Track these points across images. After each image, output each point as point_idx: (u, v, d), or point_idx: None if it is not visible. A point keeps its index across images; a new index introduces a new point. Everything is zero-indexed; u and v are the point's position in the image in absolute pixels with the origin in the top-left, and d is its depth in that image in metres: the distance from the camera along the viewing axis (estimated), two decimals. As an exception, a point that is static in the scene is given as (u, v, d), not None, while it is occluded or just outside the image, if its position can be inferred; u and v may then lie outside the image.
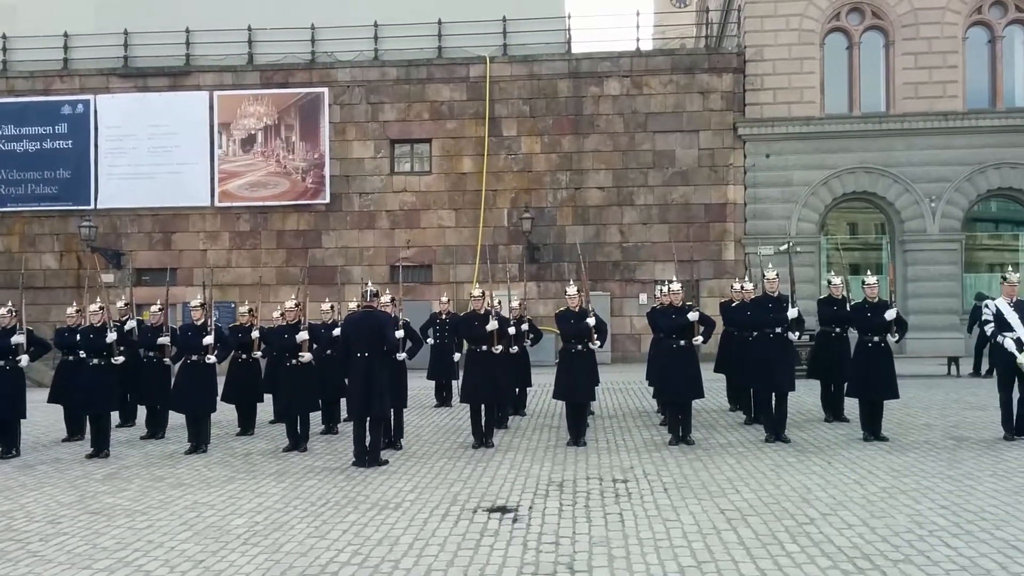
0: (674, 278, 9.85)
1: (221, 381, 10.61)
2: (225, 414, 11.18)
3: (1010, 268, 9.82)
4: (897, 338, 9.62)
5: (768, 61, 20.70)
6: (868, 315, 9.65)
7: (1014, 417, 9.18)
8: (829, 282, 11.36)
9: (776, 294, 9.81)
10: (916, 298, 19.93)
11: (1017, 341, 8.97)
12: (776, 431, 9.44)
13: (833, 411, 10.81)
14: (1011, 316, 8.96)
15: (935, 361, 16.74)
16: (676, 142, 20.97)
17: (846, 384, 10.13)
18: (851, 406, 10.24)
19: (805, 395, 11.63)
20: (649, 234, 20.90)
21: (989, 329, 9.24)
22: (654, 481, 7.56)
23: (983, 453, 8.45)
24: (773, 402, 9.57)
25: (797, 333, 9.71)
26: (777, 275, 9.95)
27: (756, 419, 10.48)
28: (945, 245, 20.15)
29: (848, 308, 10.48)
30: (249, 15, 21.63)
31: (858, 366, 9.61)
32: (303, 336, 9.59)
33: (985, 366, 15.38)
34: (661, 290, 10.93)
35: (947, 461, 8.11)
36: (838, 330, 10.62)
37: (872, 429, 9.38)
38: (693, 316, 9.45)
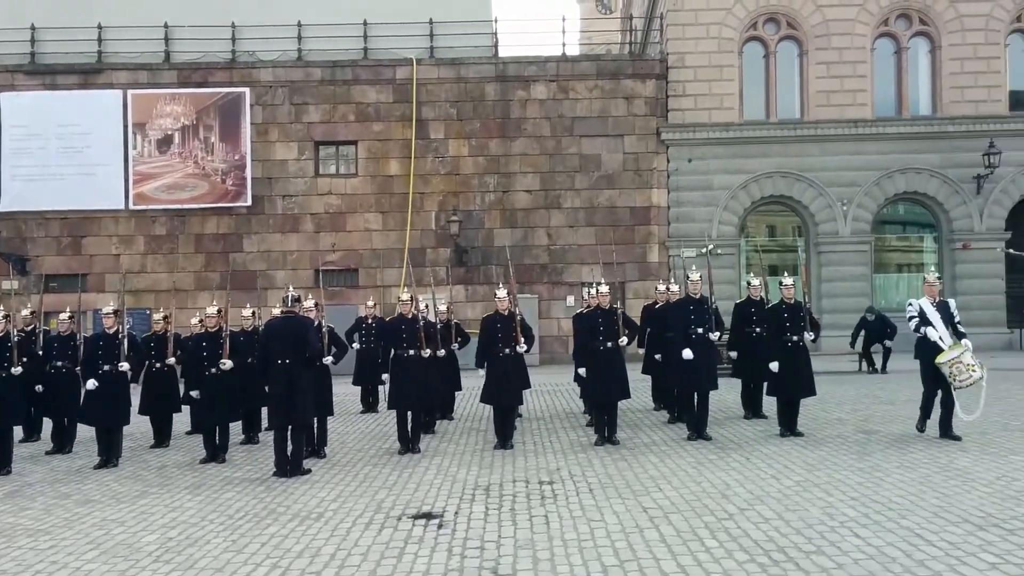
0: (601, 280, 9.94)
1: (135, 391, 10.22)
2: (139, 426, 10.78)
3: (932, 268, 10.17)
4: (813, 337, 9.91)
5: (689, 68, 21.15)
6: (785, 315, 9.91)
7: (929, 415, 9.33)
8: (748, 283, 11.64)
9: (699, 295, 10.00)
10: (830, 298, 20.64)
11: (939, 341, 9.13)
12: (698, 429, 9.63)
13: (752, 408, 11.09)
14: (933, 315, 9.15)
15: (847, 358, 17.35)
16: (602, 146, 21.22)
17: (766, 383, 10.38)
18: (769, 403, 10.52)
19: (726, 393, 11.88)
20: (576, 237, 21.09)
21: (913, 324, 9.39)
22: (580, 482, 7.61)
23: (891, 446, 8.78)
24: (696, 401, 9.75)
25: (718, 333, 9.91)
26: (700, 277, 10.14)
27: (679, 418, 10.66)
28: (856, 247, 20.93)
29: (766, 309, 10.75)
30: (165, 12, 20.99)
31: (778, 366, 9.84)
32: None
33: (878, 363, 16.41)
34: (589, 292, 11.02)
35: (857, 454, 8.40)
36: (758, 330, 10.88)
37: (788, 425, 9.66)
38: (623, 342, 9.60)
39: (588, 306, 10.88)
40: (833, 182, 20.88)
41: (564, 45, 22.14)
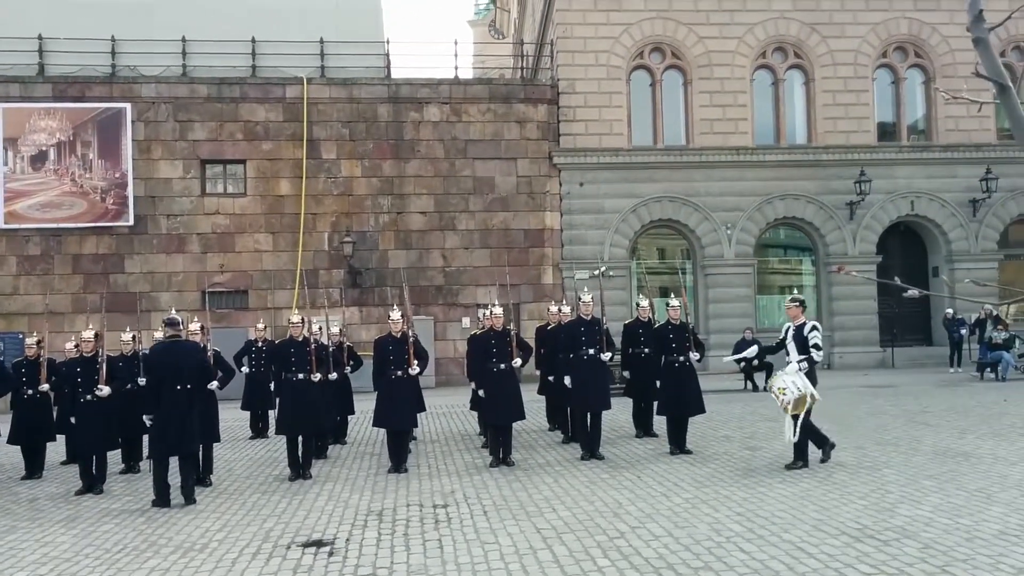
0: (495, 302, 10.02)
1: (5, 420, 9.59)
2: (9, 455, 10.11)
3: (795, 291, 10.65)
4: (699, 357, 10.28)
5: (580, 94, 21.70)
6: (670, 336, 10.25)
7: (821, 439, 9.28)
8: (638, 304, 11.97)
9: (590, 317, 10.21)
10: (717, 318, 21.44)
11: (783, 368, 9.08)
12: (591, 449, 9.79)
13: (643, 427, 11.37)
14: (789, 339, 9.16)
15: (733, 376, 18.05)
16: (495, 169, 21.44)
17: (656, 402, 10.67)
18: (659, 421, 10.82)
19: (618, 413, 12.14)
20: (471, 259, 21.18)
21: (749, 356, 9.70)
22: (474, 504, 7.61)
23: (774, 461, 9.18)
24: (588, 420, 9.93)
25: (609, 354, 10.14)
26: (592, 298, 10.37)
27: (573, 438, 10.82)
28: (740, 269, 21.86)
29: (653, 329, 11.07)
30: (40, 24, 19.96)
31: (666, 385, 10.17)
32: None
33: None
34: (484, 314, 11.08)
35: (743, 471, 8.74)
36: (647, 350, 11.18)
37: (678, 443, 9.96)
38: (516, 363, 9.72)
39: (483, 327, 10.95)
40: (718, 207, 21.78)
41: (457, 68, 22.46)
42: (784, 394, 8.64)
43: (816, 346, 8.88)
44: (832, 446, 8.97)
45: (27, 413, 10.15)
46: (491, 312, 10.04)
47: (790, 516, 6.75)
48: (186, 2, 20.94)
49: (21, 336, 16.86)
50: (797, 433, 8.67)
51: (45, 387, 10.14)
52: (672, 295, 11.09)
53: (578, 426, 10.38)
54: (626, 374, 11.58)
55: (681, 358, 10.18)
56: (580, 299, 10.40)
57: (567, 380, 10.11)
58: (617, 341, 11.40)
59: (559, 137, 21.71)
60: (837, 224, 22.08)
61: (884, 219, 22.31)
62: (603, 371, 10.21)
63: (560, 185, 21.64)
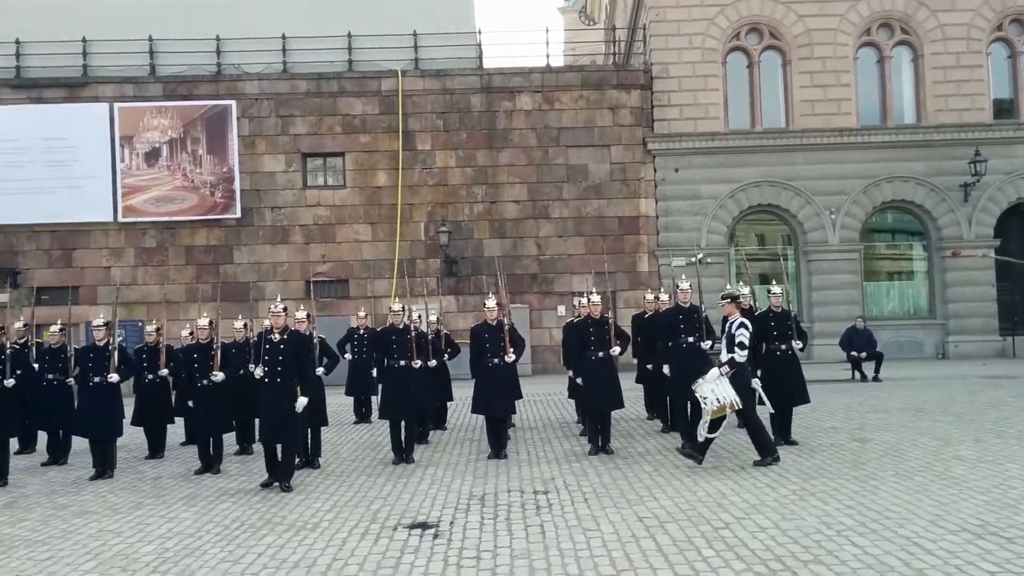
0: (593, 290, 9.99)
1: (129, 403, 10.18)
2: (133, 437, 10.74)
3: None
4: (801, 346, 9.99)
5: (674, 78, 21.32)
6: (772, 324, 9.99)
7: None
8: (769, 291, 11.69)
9: (688, 305, 10.07)
10: (820, 306, 20.78)
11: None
12: (692, 438, 9.64)
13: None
14: (722, 340, 8.69)
15: (840, 366, 17.46)
16: (588, 156, 21.33)
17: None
18: (763, 411, 10.56)
19: (718, 402, 11.90)
20: (565, 247, 21.17)
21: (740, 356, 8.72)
22: (574, 491, 7.63)
23: (886, 454, 8.84)
24: (690, 410, 9.81)
25: (709, 342, 9.97)
26: (690, 286, 10.22)
27: (673, 427, 10.70)
28: (845, 255, 21.10)
29: (754, 317, 10.81)
30: (150, 25, 20.96)
31: (768, 375, 9.93)
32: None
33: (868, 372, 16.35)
34: (580, 302, 11.07)
35: (852, 463, 8.45)
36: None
37: (783, 434, 9.71)
38: (615, 351, 9.63)
39: (579, 316, 10.94)
40: (820, 191, 21.06)
41: (548, 56, 22.31)
42: (705, 403, 8.32)
43: (741, 344, 8.43)
44: (774, 461, 8.40)
45: (148, 397, 10.76)
46: (589, 300, 10.01)
47: (905, 511, 6.50)
48: (285, -1, 21.60)
49: (140, 324, 17.86)
50: (706, 431, 8.28)
51: (164, 372, 10.71)
52: (773, 282, 10.83)
53: (678, 416, 10.25)
54: (726, 362, 11.33)
55: (783, 347, 9.92)
56: (678, 287, 10.27)
57: (666, 369, 10.04)
58: (717, 329, 11.18)
59: (653, 123, 21.41)
60: (950, 207, 21.03)
61: (1002, 201, 21.12)
62: (703, 360, 10.04)
63: (655, 171, 21.36)
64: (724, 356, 8.54)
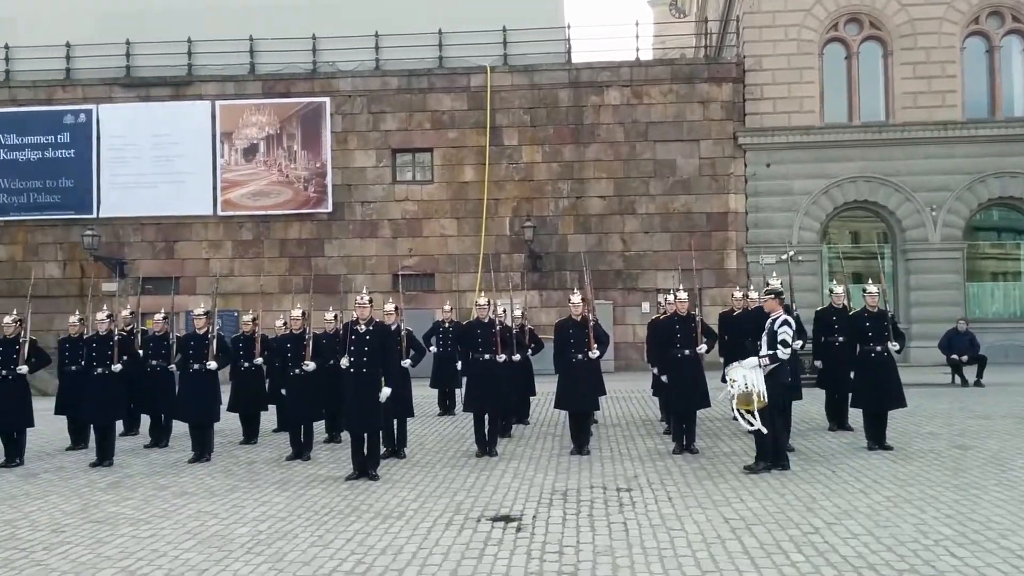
0: (679, 287, 9.85)
1: (225, 390, 10.61)
2: (229, 423, 11.18)
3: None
4: (898, 348, 9.61)
5: (767, 71, 20.78)
6: (867, 324, 9.64)
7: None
8: (831, 291, 11.37)
9: (778, 303, 9.80)
10: (919, 307, 19.94)
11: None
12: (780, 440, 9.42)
13: (837, 420, 10.80)
14: (764, 335, 8.45)
15: (939, 370, 16.72)
16: (677, 151, 21.04)
17: (851, 394, 10.10)
18: (855, 414, 10.24)
19: (809, 404, 11.60)
20: (651, 243, 20.95)
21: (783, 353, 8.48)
22: (658, 490, 7.55)
23: (988, 462, 8.42)
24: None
25: (800, 342, 9.70)
26: (780, 284, 9.95)
27: (760, 428, 10.45)
28: (947, 254, 20.17)
29: (848, 317, 10.47)
30: (250, 25, 21.72)
31: (861, 377, 9.60)
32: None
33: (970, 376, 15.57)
34: (666, 299, 10.94)
35: (952, 470, 8.09)
36: (841, 339, 10.60)
37: (876, 438, 9.37)
38: (701, 350, 9.51)
39: (665, 313, 10.81)
40: (921, 187, 20.19)
41: (638, 50, 22.04)
42: (732, 386, 8.14)
43: (784, 342, 8.17)
44: (765, 469, 8.13)
45: (244, 384, 11.17)
46: (676, 297, 9.88)
47: (1009, 522, 6.18)
48: (379, -3, 22.03)
49: (236, 314, 18.58)
50: (761, 424, 8.03)
51: (259, 361, 11.11)
52: (869, 281, 10.42)
53: (766, 416, 9.99)
54: (818, 364, 11.02)
55: (879, 348, 9.55)
56: (768, 284, 10.01)
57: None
58: (808, 329, 10.88)
59: (744, 117, 20.94)
60: (1064, 204, 19.84)
61: (1121, 199, 19.80)
62: (793, 360, 9.78)
63: (745, 166, 20.89)
64: (765, 351, 8.33)
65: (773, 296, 8.68)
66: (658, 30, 40.13)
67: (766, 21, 20.84)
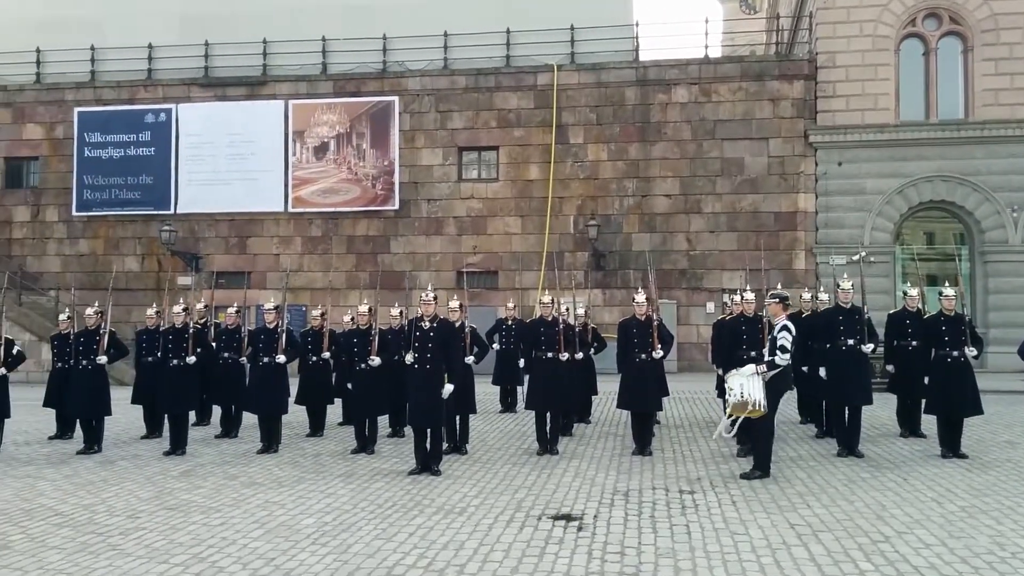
0: (747, 287, 9.70)
1: (293, 383, 10.87)
2: (296, 415, 11.45)
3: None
4: (975, 353, 9.28)
5: (841, 68, 20.25)
6: (943, 328, 9.33)
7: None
8: (905, 293, 11.05)
9: (849, 305, 9.59)
10: (997, 311, 19.19)
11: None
12: (849, 445, 9.22)
13: (909, 426, 10.49)
14: (768, 341, 8.38)
15: (1018, 376, 16.05)
16: (745, 149, 20.69)
17: (924, 400, 9.80)
18: (928, 421, 9.93)
19: (880, 409, 11.30)
20: (717, 242, 20.65)
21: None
22: (722, 493, 7.46)
23: (1070, 474, 8.08)
24: (846, 415, 9.35)
25: (872, 346, 9.46)
26: (852, 285, 9.73)
27: (828, 432, 10.25)
28: (1029, 256, 19.34)
29: (923, 320, 10.16)
30: (323, 26, 22.16)
31: (936, 382, 9.31)
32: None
33: None
34: (732, 299, 10.78)
35: (1032, 482, 7.79)
36: (915, 343, 10.29)
37: (951, 446, 9.08)
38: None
39: (731, 313, 10.65)
40: (1001, 187, 19.41)
41: (707, 47, 21.71)
42: (730, 393, 8.11)
43: (783, 348, 7.98)
44: (760, 478, 7.95)
45: (311, 377, 11.41)
46: (742, 297, 9.73)
47: (1094, 538, 5.93)
48: (448, -4, 22.21)
49: (304, 308, 19.01)
50: (734, 430, 8.24)
51: (326, 355, 11.33)
52: (946, 283, 10.09)
53: (834, 420, 9.80)
54: (890, 368, 10.71)
55: (955, 353, 9.24)
56: (839, 286, 9.79)
57: (822, 371, 9.65)
58: (880, 332, 10.59)
59: (816, 114, 20.45)
60: None
61: None
62: (863, 363, 9.58)
63: (816, 165, 20.41)
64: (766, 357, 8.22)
65: (778, 301, 8.51)
66: (727, 27, 39.49)
67: (840, 17, 20.30)
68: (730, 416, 8.25)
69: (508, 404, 13.38)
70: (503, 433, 11.25)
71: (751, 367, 8.14)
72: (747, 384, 8.05)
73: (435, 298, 8.89)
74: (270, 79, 22.42)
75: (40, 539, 6.24)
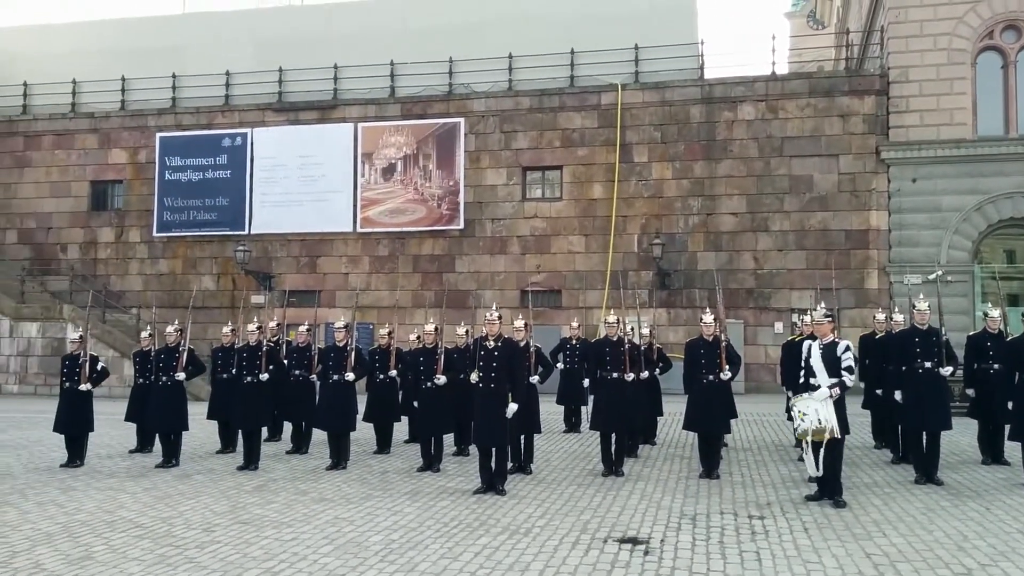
0: (820, 306, 9.49)
1: (361, 400, 11.04)
2: (363, 432, 11.62)
3: (822, 305, 8.67)
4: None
5: (914, 82, 19.74)
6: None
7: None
8: (986, 314, 10.67)
9: (926, 326, 9.30)
10: (1086, 333, 18.29)
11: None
12: (927, 472, 8.91)
13: (992, 453, 10.08)
14: (816, 359, 8.03)
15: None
16: (814, 167, 20.31)
17: (1008, 426, 9.41)
18: (1013, 448, 9.53)
19: (960, 435, 10.90)
20: (785, 261, 20.27)
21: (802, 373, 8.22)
22: (793, 519, 7.29)
23: None
24: (924, 441, 9.05)
25: (950, 368, 9.15)
26: (928, 306, 9.44)
27: (905, 458, 9.93)
28: (1118, 275, 18.46)
29: (1006, 343, 9.78)
30: (391, 50, 22.66)
31: (1020, 407, 8.93)
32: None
33: None
34: (803, 319, 10.56)
35: (1126, 514, 7.40)
36: (996, 367, 9.90)
37: (1038, 476, 8.70)
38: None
39: (800, 333, 10.45)
40: (1087, 202, 18.59)
41: (774, 64, 21.43)
42: (804, 419, 7.78)
43: (849, 368, 7.93)
44: (835, 501, 7.80)
45: (378, 395, 11.58)
46: (812, 318, 9.52)
47: None
48: (512, 18, 22.43)
49: (371, 327, 19.33)
50: (820, 467, 7.75)
51: (393, 373, 11.50)
52: (1030, 305, 9.70)
53: (911, 446, 9.48)
54: (970, 392, 10.32)
55: (1039, 376, 8.87)
56: (915, 306, 9.50)
57: (897, 395, 9.36)
58: (959, 354, 10.22)
59: (888, 130, 19.95)
60: None
61: None
62: (941, 387, 9.25)
63: (888, 182, 19.88)
64: (823, 379, 7.96)
65: (831, 320, 8.36)
66: (794, 43, 38.90)
67: (913, 31, 19.82)
68: (804, 440, 8.00)
69: (572, 424, 13.34)
70: (567, 453, 11.21)
71: (824, 391, 7.95)
72: (821, 408, 7.88)
73: (500, 317, 8.95)
74: (340, 103, 22.98)
75: (121, 551, 6.47)
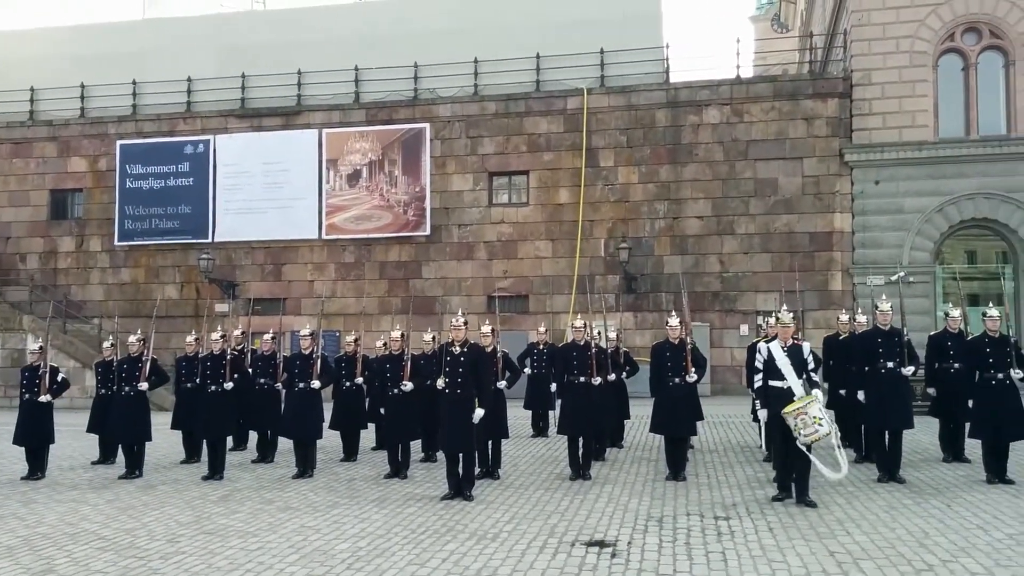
0: (784, 308, 9.58)
1: (327, 408, 10.93)
2: (330, 439, 11.51)
3: (784, 308, 8.83)
4: (1022, 376, 9.05)
5: (876, 85, 20.05)
6: (987, 350, 9.13)
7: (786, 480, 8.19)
8: (947, 314, 10.84)
9: (888, 327, 9.43)
10: (1043, 331, 18.69)
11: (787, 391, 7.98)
12: (890, 471, 9.03)
13: (953, 451, 10.24)
14: (782, 361, 8.06)
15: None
16: (779, 170, 20.53)
17: (967, 424, 9.57)
18: (972, 445, 9.69)
19: (921, 433, 11.06)
20: (750, 264, 20.46)
21: (757, 380, 8.31)
22: (758, 520, 7.34)
23: (1123, 500, 7.82)
24: (887, 440, 9.17)
25: (912, 368, 9.28)
26: (891, 307, 9.57)
27: (868, 457, 10.05)
28: (1075, 275, 18.88)
29: (966, 342, 9.95)
30: (356, 56, 22.53)
31: (981, 406, 9.10)
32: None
33: None
34: (768, 322, 10.65)
35: (1082, 508, 7.55)
36: (957, 365, 10.07)
37: (997, 471, 8.85)
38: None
39: (766, 335, 10.52)
40: (1046, 204, 19.00)
41: (738, 67, 21.65)
42: (820, 424, 7.70)
43: (814, 369, 8.16)
44: (783, 499, 8.02)
45: (345, 403, 11.48)
46: (778, 320, 9.59)
47: None
48: (478, 24, 22.42)
49: (337, 334, 19.16)
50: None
51: (360, 380, 11.40)
52: (990, 304, 9.89)
53: (874, 445, 9.60)
54: (931, 391, 10.48)
55: (1000, 375, 9.04)
56: (877, 307, 9.64)
57: (860, 395, 9.47)
58: (921, 354, 10.38)
59: (851, 133, 20.24)
60: None
61: None
62: (904, 386, 9.38)
63: (852, 184, 20.16)
64: (793, 379, 8.00)
65: (797, 321, 8.53)
66: (759, 47, 39.41)
67: (876, 34, 20.13)
68: (814, 442, 7.92)
69: (540, 429, 13.33)
70: (535, 458, 11.19)
71: (817, 392, 8.03)
72: (823, 412, 7.90)
73: (465, 323, 8.92)
74: (304, 108, 22.80)
75: (84, 563, 6.34)
